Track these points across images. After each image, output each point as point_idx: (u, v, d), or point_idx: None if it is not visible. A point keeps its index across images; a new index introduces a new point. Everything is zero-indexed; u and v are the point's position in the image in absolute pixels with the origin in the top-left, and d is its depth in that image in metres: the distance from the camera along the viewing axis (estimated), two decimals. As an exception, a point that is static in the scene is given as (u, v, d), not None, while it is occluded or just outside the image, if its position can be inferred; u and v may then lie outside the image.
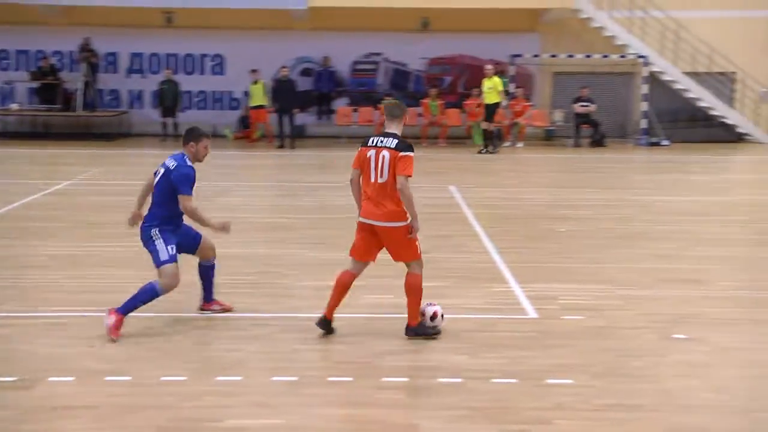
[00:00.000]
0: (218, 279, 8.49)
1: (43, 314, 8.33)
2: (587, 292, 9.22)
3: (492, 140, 23.30)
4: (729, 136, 26.00)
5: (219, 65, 26.87)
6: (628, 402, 6.32)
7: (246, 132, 25.69)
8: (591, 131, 25.07)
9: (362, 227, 7.67)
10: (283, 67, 24.29)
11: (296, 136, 23.93)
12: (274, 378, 6.76)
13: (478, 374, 6.86)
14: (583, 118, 24.96)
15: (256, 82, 24.50)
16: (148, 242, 7.76)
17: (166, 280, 7.63)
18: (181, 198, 7.65)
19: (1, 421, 6.01)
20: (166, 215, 7.74)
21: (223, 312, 8.32)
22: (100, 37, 25.97)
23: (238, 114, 26.45)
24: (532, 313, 8.51)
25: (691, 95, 25.88)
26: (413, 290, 7.60)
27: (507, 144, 24.88)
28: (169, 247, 7.68)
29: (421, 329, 7.68)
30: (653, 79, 25.77)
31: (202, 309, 8.35)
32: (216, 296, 8.42)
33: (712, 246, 11.75)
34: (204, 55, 26.80)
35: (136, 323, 7.81)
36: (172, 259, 7.67)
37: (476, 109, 24.62)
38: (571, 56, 25.58)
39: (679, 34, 26.00)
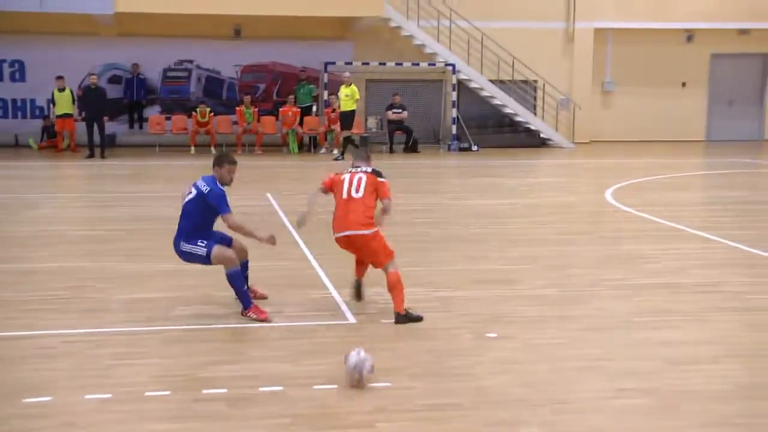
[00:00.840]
0: (27, 296, 8.06)
1: None
2: (405, 295, 9.32)
3: (352, 145, 23.39)
4: (533, 141, 27.04)
5: (19, 71, 25.67)
6: (447, 401, 6.40)
7: (52, 141, 24.64)
8: (404, 137, 25.51)
9: (342, 242, 8.51)
10: (91, 74, 23.46)
11: (107, 146, 23.16)
12: (87, 396, 6.46)
13: (300, 381, 6.79)
14: (397, 125, 25.39)
15: (62, 90, 23.51)
16: (186, 256, 8.35)
17: (222, 261, 8.17)
18: (224, 218, 8.21)
19: None
20: (191, 227, 8.29)
21: (261, 298, 8.83)
22: None
23: (41, 123, 25.35)
24: (351, 318, 8.53)
25: (497, 102, 26.78)
26: (396, 286, 8.30)
27: (322, 151, 24.96)
28: (200, 242, 8.22)
29: (409, 316, 8.29)
30: (461, 86, 26.50)
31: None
32: (171, 311, 8.56)
33: (521, 246, 12.14)
34: (2, 61, 25.55)
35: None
36: (210, 245, 8.21)
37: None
38: (383, 64, 25.94)
39: (484, 44, 26.84)
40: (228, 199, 8.31)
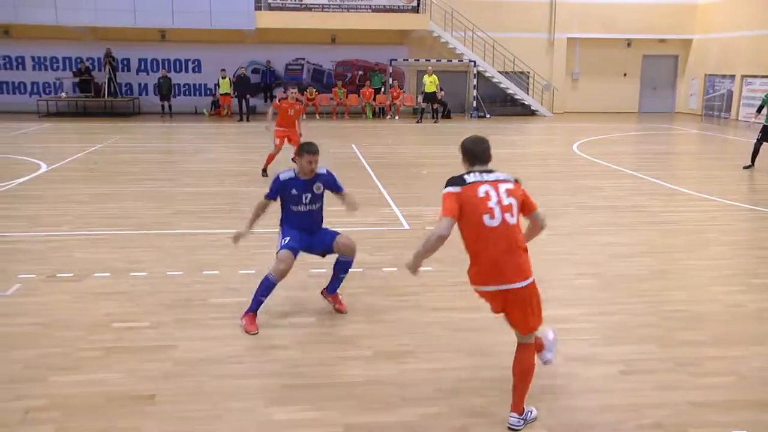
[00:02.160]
0: (198, 208, 8.20)
1: (87, 233, 7.99)
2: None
3: (435, 113, 23.55)
4: (526, 111, 26.49)
5: (196, 66, 25.79)
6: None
7: (217, 110, 24.92)
8: (441, 109, 25.14)
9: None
10: (241, 67, 23.73)
11: (250, 113, 23.31)
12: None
13: (373, 266, 6.89)
14: (437, 100, 24.98)
15: (224, 78, 23.85)
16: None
17: (276, 265, 5.32)
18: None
19: (63, 302, 5.79)
20: (282, 217, 5.56)
21: (336, 311, 5.73)
22: (118, 47, 24.59)
23: (211, 99, 25.58)
24: (406, 225, 8.58)
25: (503, 86, 26.12)
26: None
27: (388, 117, 24.75)
28: (283, 240, 5.44)
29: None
30: (479, 75, 25.94)
31: (322, 293, 5.91)
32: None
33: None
34: (187, 60, 25.68)
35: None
36: (283, 247, 5.38)
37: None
38: (428, 60, 25.44)
39: (495, 47, 26.15)
40: (274, 185, 5.47)
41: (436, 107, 23.71)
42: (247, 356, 4.85)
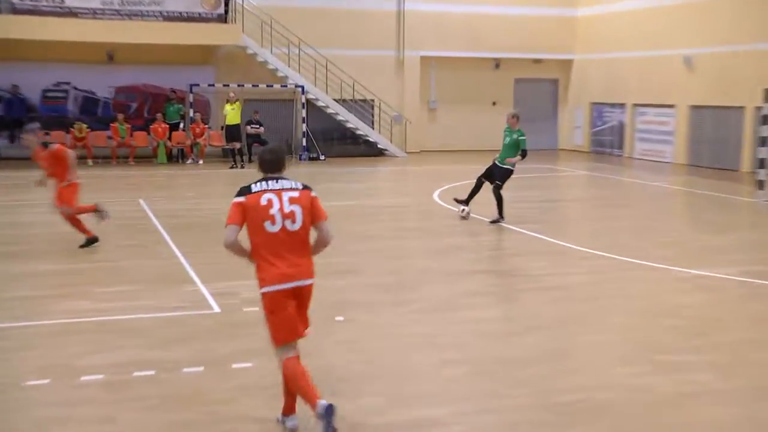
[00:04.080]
0: None
1: None
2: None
3: (240, 156, 23.53)
4: (372, 151, 27.23)
5: None
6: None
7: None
8: (245, 151, 25.19)
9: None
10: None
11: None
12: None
13: (170, 366, 6.58)
14: (254, 138, 24.98)
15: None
16: None
17: None
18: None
19: None
20: None
21: None
22: None
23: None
24: (216, 308, 8.34)
25: (340, 118, 26.71)
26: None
27: (189, 161, 24.36)
28: None
29: None
30: (310, 104, 26.39)
31: None
32: None
33: (364, 241, 12.19)
34: None
35: None
36: None
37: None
38: (241, 85, 25.50)
39: (329, 68, 26.83)
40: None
41: (239, 148, 23.64)
42: None
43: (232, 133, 23.67)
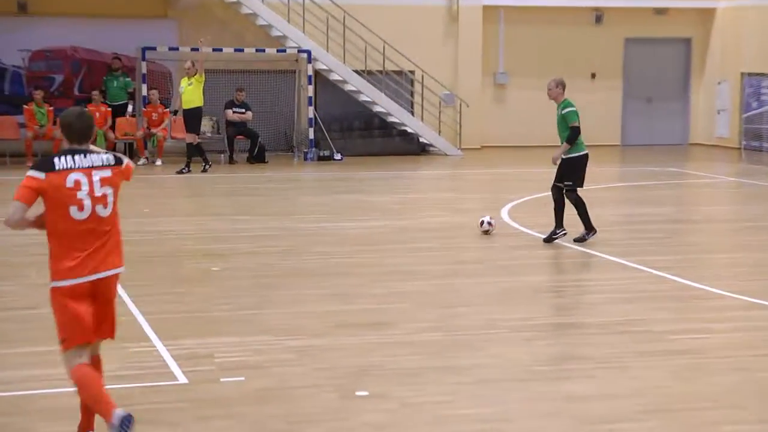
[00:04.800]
0: None
1: None
2: (248, 345, 9.29)
3: (201, 155, 23.38)
4: (410, 147, 27.22)
5: None
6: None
7: None
8: (249, 144, 25.36)
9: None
10: None
11: None
12: None
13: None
14: (238, 128, 25.19)
15: None
16: None
17: None
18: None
19: None
20: None
21: None
22: None
23: None
24: (182, 378, 8.42)
25: (364, 98, 26.81)
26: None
27: (141, 162, 24.61)
28: None
29: None
30: (319, 78, 26.54)
31: None
32: None
33: (397, 280, 12.22)
34: None
35: None
36: None
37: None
38: (218, 50, 25.65)
39: (347, 25, 26.93)
40: None
41: (196, 144, 23.50)
42: None
43: (189, 120, 23.60)
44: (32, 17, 25.71)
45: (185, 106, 23.61)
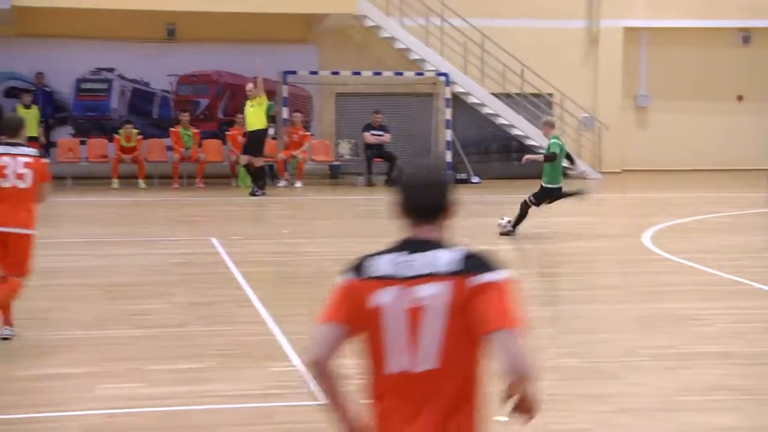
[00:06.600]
0: None
1: None
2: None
3: (263, 179, 23.38)
4: (549, 170, 27.07)
5: None
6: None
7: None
8: (386, 166, 25.50)
9: None
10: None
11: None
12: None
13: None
14: (376, 150, 25.36)
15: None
16: None
17: None
18: None
19: None
20: None
21: None
22: None
23: None
24: (322, 398, 8.46)
25: (502, 121, 26.80)
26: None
27: (282, 183, 24.93)
28: None
29: None
30: (457, 101, 26.58)
31: None
32: None
33: (536, 305, 12.12)
34: None
35: None
36: None
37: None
38: (356, 74, 25.95)
39: (486, 48, 26.95)
40: None
41: (258, 167, 23.26)
42: None
43: (252, 142, 23.31)
44: (179, 43, 26.31)
45: (248, 128, 23.54)
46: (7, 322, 9.79)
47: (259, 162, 23.42)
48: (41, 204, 9.91)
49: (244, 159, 23.53)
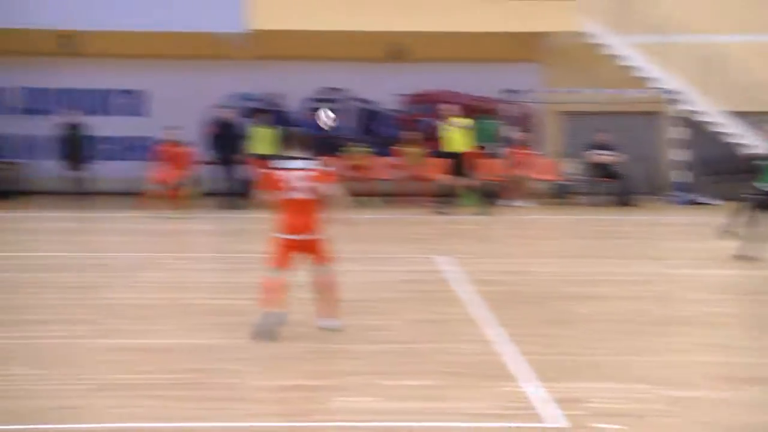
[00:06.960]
0: (145, 378, 8.22)
1: None
2: (622, 392, 9.06)
3: (477, 199, 23.62)
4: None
5: (136, 103, 26.78)
6: None
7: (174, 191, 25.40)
8: (614, 186, 25.14)
9: None
10: (224, 106, 24.45)
11: (242, 194, 23.62)
12: None
13: None
14: (603, 170, 25.04)
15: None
16: None
17: None
18: None
19: None
20: None
21: None
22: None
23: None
24: (553, 421, 8.36)
25: (740, 140, 25.99)
26: None
27: (518, 203, 24.90)
28: None
29: None
30: (689, 119, 25.99)
31: None
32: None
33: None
34: (120, 91, 26.88)
35: None
36: None
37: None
38: (580, 91, 25.76)
39: (716, 63, 26.30)
40: None
41: (468, 185, 23.42)
42: None
43: (455, 163, 23.55)
44: (403, 63, 26.65)
45: (448, 149, 23.67)
46: (331, 314, 10.97)
47: (466, 182, 23.56)
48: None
49: (460, 180, 23.69)
